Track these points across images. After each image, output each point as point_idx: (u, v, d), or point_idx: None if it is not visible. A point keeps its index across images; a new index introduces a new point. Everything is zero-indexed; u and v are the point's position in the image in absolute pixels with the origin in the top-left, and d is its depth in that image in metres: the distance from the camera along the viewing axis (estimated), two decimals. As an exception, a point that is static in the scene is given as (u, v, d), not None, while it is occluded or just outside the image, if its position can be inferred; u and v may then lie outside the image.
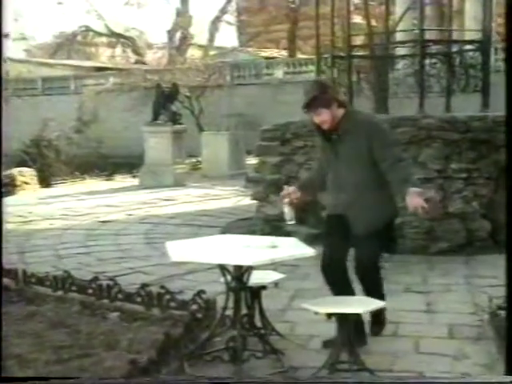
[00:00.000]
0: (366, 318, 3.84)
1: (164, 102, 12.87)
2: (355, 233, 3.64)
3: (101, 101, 22.26)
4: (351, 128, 3.58)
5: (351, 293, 3.68)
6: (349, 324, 3.36)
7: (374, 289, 3.69)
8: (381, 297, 3.70)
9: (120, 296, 4.61)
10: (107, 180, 13.50)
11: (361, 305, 3.45)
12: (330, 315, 3.38)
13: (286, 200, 3.75)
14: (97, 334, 4.02)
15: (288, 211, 3.73)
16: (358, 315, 3.46)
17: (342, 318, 3.35)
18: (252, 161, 13.31)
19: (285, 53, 28.06)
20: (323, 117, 3.61)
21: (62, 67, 27.83)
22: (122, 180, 13.64)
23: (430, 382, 2.60)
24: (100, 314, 4.45)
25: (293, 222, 3.70)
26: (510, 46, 2.91)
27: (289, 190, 3.80)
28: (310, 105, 3.62)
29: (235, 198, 10.40)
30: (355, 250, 3.68)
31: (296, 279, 5.18)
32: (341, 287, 3.65)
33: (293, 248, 3.57)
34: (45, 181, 12.40)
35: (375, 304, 3.52)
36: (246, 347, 3.53)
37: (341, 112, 3.63)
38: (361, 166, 3.58)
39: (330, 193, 3.76)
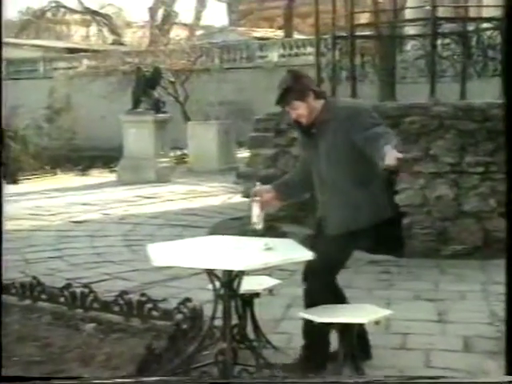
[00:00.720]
0: (371, 328, 3.85)
1: (145, 87, 12.85)
2: (325, 234, 3.58)
3: (74, 86, 22.18)
4: (331, 120, 3.52)
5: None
6: (352, 335, 3.37)
7: (320, 303, 3.55)
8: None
9: (96, 305, 4.61)
10: (81, 175, 13.48)
11: (365, 313, 3.46)
12: (330, 325, 3.38)
13: (257, 199, 3.65)
14: (70, 348, 4.02)
15: (256, 212, 3.60)
16: (361, 325, 3.46)
17: (344, 329, 3.36)
18: (244, 154, 13.34)
19: (280, 33, 28.05)
20: (299, 110, 3.58)
21: (29, 48, 27.69)
22: (98, 175, 13.61)
23: (430, 381, 2.69)
24: (73, 326, 4.45)
25: (260, 227, 3.56)
26: (510, 46, 2.94)
27: (262, 188, 3.73)
28: (283, 99, 3.60)
29: (225, 196, 10.40)
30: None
31: (293, 285, 5.16)
32: (324, 298, 3.56)
33: (289, 251, 3.58)
34: (10, 176, 12.36)
35: (381, 312, 3.53)
36: (237, 361, 3.54)
37: (319, 104, 3.58)
38: (341, 162, 3.50)
39: (316, 193, 3.73)
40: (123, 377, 3.29)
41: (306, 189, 3.84)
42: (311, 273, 3.58)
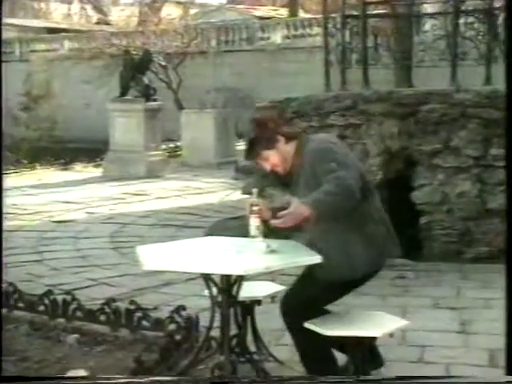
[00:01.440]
0: (384, 340, 3.86)
1: (134, 72, 12.87)
2: (312, 271, 3.51)
3: (54, 71, 22.20)
4: (302, 165, 3.47)
5: None
6: (363, 349, 3.37)
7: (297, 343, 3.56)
8: (309, 359, 3.54)
9: (79, 314, 4.62)
10: (63, 170, 13.50)
11: (377, 325, 3.46)
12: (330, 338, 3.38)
13: (255, 209, 3.61)
14: (49, 363, 4.03)
15: (255, 224, 3.58)
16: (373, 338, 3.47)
17: (355, 342, 3.37)
18: (244, 146, 13.34)
19: (284, 11, 28.03)
20: (271, 160, 3.55)
21: (2, 27, 27.67)
22: (81, 170, 13.63)
23: (430, 381, 2.78)
24: (54, 337, 4.46)
25: (259, 240, 3.55)
26: (510, 44, 2.97)
27: (260, 203, 3.66)
28: (251, 152, 3.60)
29: (223, 192, 10.41)
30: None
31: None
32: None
33: (294, 253, 3.58)
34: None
35: (395, 323, 3.54)
36: (237, 376, 3.54)
37: (291, 146, 3.53)
38: None
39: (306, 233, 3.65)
40: (125, 376, 3.33)
41: None
42: (289, 311, 3.54)
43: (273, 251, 3.50)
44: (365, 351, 3.41)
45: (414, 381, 2.86)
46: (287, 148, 3.54)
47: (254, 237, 3.58)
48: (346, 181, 3.27)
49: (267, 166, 3.59)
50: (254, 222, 3.59)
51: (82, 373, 3.77)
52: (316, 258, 3.44)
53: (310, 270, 3.50)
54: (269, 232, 3.63)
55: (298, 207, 3.25)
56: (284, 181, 3.63)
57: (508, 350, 2.83)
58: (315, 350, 3.52)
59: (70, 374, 3.77)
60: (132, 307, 4.45)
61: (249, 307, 3.88)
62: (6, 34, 26.43)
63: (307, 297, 3.49)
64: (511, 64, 2.90)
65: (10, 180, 12.29)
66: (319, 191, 3.27)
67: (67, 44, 23.96)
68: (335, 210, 3.31)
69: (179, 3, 30.50)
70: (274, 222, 3.33)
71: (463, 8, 7.28)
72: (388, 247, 3.55)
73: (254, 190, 3.69)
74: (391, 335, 3.49)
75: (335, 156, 3.39)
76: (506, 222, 2.97)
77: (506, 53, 2.91)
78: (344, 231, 3.42)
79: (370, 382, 3.08)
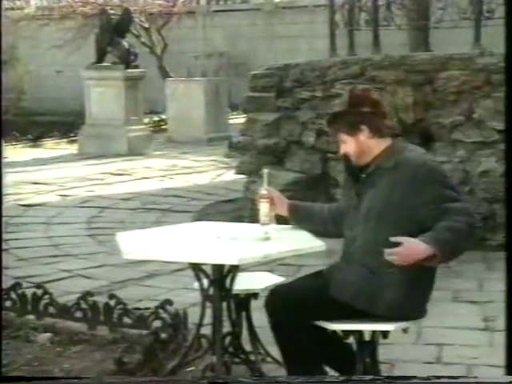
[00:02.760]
0: (398, 337, 3.88)
1: (112, 35, 12.81)
2: (325, 288, 3.40)
3: (20, 33, 22.07)
4: (389, 169, 3.35)
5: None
6: (373, 345, 3.39)
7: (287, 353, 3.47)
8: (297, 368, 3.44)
9: (52, 310, 4.62)
10: (32, 147, 13.47)
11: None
12: (346, 333, 3.40)
13: (266, 196, 3.60)
14: (17, 365, 4.04)
15: (265, 211, 3.57)
16: (386, 333, 3.48)
17: (363, 337, 3.38)
18: (238, 119, 13.32)
19: (284, -35, 27.89)
20: (345, 146, 3.45)
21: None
22: (53, 147, 13.61)
23: (431, 381, 2.85)
24: (23, 336, 4.46)
25: (268, 227, 3.53)
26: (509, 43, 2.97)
27: (272, 190, 3.66)
28: (332, 124, 3.52)
29: (214, 172, 10.41)
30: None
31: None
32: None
33: (295, 240, 3.59)
34: None
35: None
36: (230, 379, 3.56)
37: (380, 145, 3.42)
38: (384, 226, 3.30)
39: (343, 244, 3.57)
40: (127, 376, 3.38)
41: (328, 230, 3.65)
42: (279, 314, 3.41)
43: (270, 238, 3.51)
44: (376, 349, 3.42)
45: (417, 381, 2.90)
46: (370, 143, 3.41)
47: (263, 223, 3.58)
48: (472, 218, 3.23)
49: (340, 149, 3.49)
50: (264, 209, 3.58)
51: None
52: (318, 246, 3.45)
53: (326, 285, 3.41)
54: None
55: (412, 245, 3.17)
56: (351, 170, 3.52)
57: (508, 350, 2.85)
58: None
59: None
60: (112, 302, 4.45)
61: (244, 301, 3.90)
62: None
63: (310, 305, 3.38)
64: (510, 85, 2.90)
65: (-29, 158, 12.28)
66: (443, 227, 3.17)
67: (34, 2, 23.81)
68: (459, 251, 3.28)
69: (163, -44, 30.31)
70: (389, 258, 3.21)
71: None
72: (418, 303, 3.43)
73: (265, 171, 3.68)
74: (405, 331, 3.48)
75: (450, 182, 3.32)
76: (506, 220, 2.96)
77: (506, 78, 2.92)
78: (382, 263, 3.27)
79: (374, 380, 3.13)
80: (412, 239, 3.18)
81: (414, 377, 2.94)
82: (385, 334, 3.40)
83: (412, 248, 3.17)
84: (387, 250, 3.19)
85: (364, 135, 3.41)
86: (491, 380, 3.18)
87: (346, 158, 3.51)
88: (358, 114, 3.40)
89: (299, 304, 3.34)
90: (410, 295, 3.33)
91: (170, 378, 3.42)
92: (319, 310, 3.37)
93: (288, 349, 3.44)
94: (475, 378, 3.49)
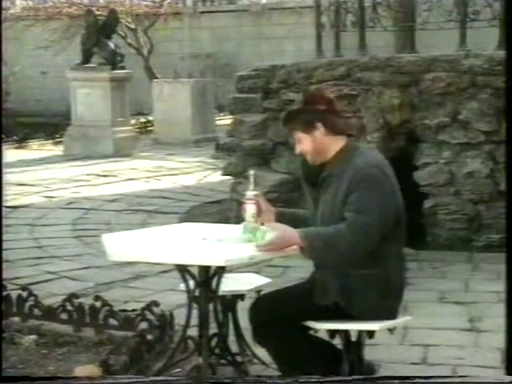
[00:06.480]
0: (384, 338, 3.89)
1: (98, 36, 12.79)
2: (308, 293, 3.47)
3: (4, 34, 22.00)
4: (337, 175, 3.38)
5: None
6: (359, 345, 3.40)
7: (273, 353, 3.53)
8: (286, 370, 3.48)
9: (37, 312, 4.61)
10: (17, 148, 13.41)
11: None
12: (332, 333, 3.41)
13: (253, 197, 3.59)
14: (3, 367, 4.01)
15: (251, 211, 3.56)
16: (371, 333, 3.50)
17: (350, 338, 3.40)
18: (225, 120, 13.32)
19: (270, -34, 27.92)
20: (301, 145, 3.48)
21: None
22: (38, 148, 13.56)
23: (431, 381, 2.87)
24: (8, 339, 4.43)
25: (253, 225, 3.52)
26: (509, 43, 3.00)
27: (257, 197, 3.63)
28: (288, 123, 3.56)
29: (201, 173, 10.40)
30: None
31: (286, 285, 5.21)
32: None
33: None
34: None
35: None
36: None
37: (336, 144, 3.43)
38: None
39: None
40: (128, 376, 3.39)
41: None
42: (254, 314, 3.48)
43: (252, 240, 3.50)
44: (362, 349, 3.44)
45: (417, 381, 2.92)
46: (325, 141, 3.43)
47: (249, 222, 3.57)
48: (361, 236, 3.25)
49: (296, 148, 3.52)
50: (250, 210, 3.58)
51: (91, 368, 3.77)
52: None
53: (306, 288, 3.49)
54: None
55: (287, 234, 3.28)
56: (308, 170, 3.54)
57: (508, 350, 2.89)
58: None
59: (79, 369, 3.78)
60: (97, 304, 4.45)
61: (230, 303, 3.90)
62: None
63: (293, 311, 3.42)
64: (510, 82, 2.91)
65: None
66: (319, 229, 3.32)
67: (19, 2, 23.73)
68: (331, 255, 3.32)
69: (150, -44, 30.28)
70: (259, 247, 3.33)
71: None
72: (401, 289, 3.50)
73: (252, 172, 3.67)
74: (391, 331, 3.50)
75: (374, 192, 3.30)
76: (506, 219, 2.98)
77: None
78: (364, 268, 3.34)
79: (374, 378, 3.14)
80: (290, 228, 3.30)
81: (404, 377, 2.96)
82: (371, 334, 3.42)
83: (287, 235, 3.28)
84: (263, 242, 3.31)
85: (319, 132, 3.44)
86: (491, 380, 3.19)
87: (302, 163, 3.54)
88: (312, 111, 3.45)
89: (283, 311, 3.38)
90: (380, 296, 3.36)
91: (157, 379, 3.41)
92: (304, 316, 3.41)
93: (276, 353, 3.49)
94: (475, 377, 3.47)
